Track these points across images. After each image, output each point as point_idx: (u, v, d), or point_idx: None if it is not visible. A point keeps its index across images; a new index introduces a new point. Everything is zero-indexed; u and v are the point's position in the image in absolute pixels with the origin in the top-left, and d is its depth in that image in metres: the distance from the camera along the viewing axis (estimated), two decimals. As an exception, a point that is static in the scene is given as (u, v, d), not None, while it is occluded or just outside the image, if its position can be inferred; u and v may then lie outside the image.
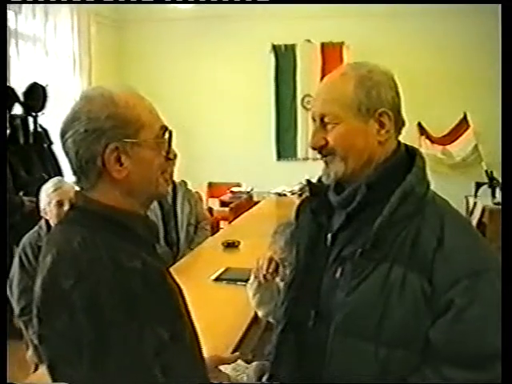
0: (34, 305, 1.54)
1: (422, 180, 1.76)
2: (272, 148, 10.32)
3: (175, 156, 1.67)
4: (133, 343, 1.43)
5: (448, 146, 9.45)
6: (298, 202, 7.42)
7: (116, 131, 1.54)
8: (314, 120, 1.83)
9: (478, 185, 8.40)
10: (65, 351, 1.47)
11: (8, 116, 5.97)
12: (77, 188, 1.66)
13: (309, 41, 9.99)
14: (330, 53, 9.99)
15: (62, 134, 1.58)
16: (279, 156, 10.42)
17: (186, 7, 9.26)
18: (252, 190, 9.11)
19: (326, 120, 1.78)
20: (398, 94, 1.81)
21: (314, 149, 1.82)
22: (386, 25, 9.65)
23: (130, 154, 1.56)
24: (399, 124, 1.81)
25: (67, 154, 1.59)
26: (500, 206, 7.20)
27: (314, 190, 1.95)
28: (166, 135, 1.64)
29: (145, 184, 1.61)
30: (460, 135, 9.26)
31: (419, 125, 9.53)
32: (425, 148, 9.51)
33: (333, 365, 1.70)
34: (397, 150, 1.81)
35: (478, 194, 8.39)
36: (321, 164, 1.80)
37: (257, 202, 8.38)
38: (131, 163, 1.56)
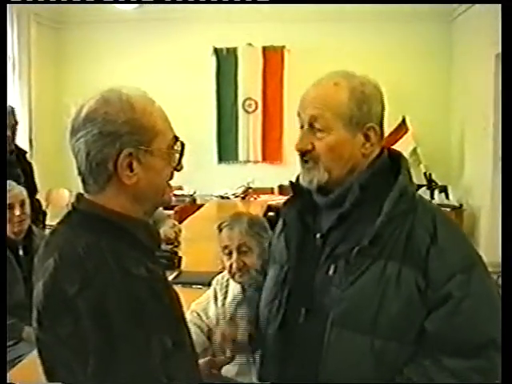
0: (34, 308, 1.50)
1: (411, 180, 1.86)
2: (213, 151, 10.34)
3: (182, 168, 1.66)
4: (140, 352, 1.42)
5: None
6: (241, 204, 7.42)
7: (131, 137, 1.52)
8: (300, 123, 1.87)
9: (417, 187, 8.53)
10: (67, 358, 1.44)
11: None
12: (80, 191, 1.63)
13: (250, 44, 10.04)
14: (272, 56, 10.07)
15: (74, 134, 1.55)
16: (220, 159, 10.46)
17: (127, 9, 9.19)
18: (195, 193, 9.09)
19: (316, 125, 1.82)
20: (384, 108, 1.88)
21: (299, 151, 1.86)
22: (327, 29, 9.77)
23: (142, 161, 1.54)
24: (382, 136, 1.88)
25: (76, 153, 1.55)
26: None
27: (298, 191, 1.98)
28: (178, 146, 1.63)
29: (152, 191, 1.60)
30: (399, 138, 9.40)
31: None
32: (364, 151, 9.66)
33: (329, 358, 1.75)
34: (381, 154, 1.89)
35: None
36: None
37: (200, 205, 8.37)
38: (142, 170, 1.55)
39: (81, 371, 1.41)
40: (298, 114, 1.89)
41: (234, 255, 2.81)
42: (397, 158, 1.91)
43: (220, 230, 2.89)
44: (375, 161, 1.87)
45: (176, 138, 1.63)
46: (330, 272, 1.81)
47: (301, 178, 1.92)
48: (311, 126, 1.83)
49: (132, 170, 1.54)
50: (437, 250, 1.73)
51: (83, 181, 1.59)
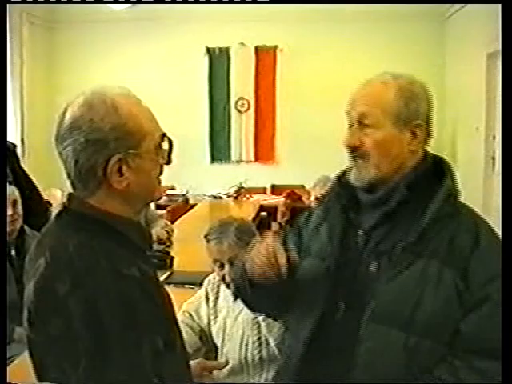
0: (25, 307, 1.49)
1: (455, 185, 1.90)
2: (206, 151, 10.34)
3: (171, 162, 1.65)
4: (131, 352, 1.42)
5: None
6: (233, 204, 7.37)
7: (119, 143, 1.50)
8: (350, 122, 1.91)
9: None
10: (58, 358, 1.44)
11: None
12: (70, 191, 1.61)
13: (243, 44, 10.04)
14: (264, 56, 10.08)
15: (60, 141, 1.52)
16: (213, 159, 10.45)
17: (120, 9, 9.18)
18: (187, 192, 9.08)
19: (365, 122, 1.86)
20: (431, 107, 1.93)
21: (348, 147, 1.90)
22: (320, 29, 9.78)
23: (131, 164, 1.52)
24: (429, 135, 1.92)
25: (65, 160, 1.53)
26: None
27: (342, 186, 2.00)
28: (166, 143, 1.62)
29: (143, 192, 1.59)
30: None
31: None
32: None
33: (362, 352, 1.77)
34: (426, 157, 1.93)
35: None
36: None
37: (193, 205, 8.37)
38: (131, 173, 1.53)
39: (72, 371, 1.40)
40: (347, 113, 1.92)
41: (227, 268, 2.81)
42: (440, 162, 1.95)
43: (207, 240, 2.89)
44: (421, 162, 1.91)
45: (163, 135, 1.62)
46: (372, 268, 1.84)
47: (350, 175, 1.94)
48: (360, 122, 1.87)
49: (122, 175, 1.53)
50: (478, 253, 1.76)
51: (73, 185, 1.58)
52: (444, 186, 1.85)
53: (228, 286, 2.84)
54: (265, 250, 1.87)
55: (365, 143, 1.86)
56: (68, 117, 1.52)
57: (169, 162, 1.64)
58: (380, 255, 1.84)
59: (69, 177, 1.57)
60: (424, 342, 1.74)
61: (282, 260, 1.83)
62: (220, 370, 2.27)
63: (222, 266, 2.83)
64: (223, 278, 2.83)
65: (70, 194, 1.60)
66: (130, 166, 1.53)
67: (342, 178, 2.03)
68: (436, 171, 1.92)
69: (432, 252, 1.77)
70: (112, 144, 1.49)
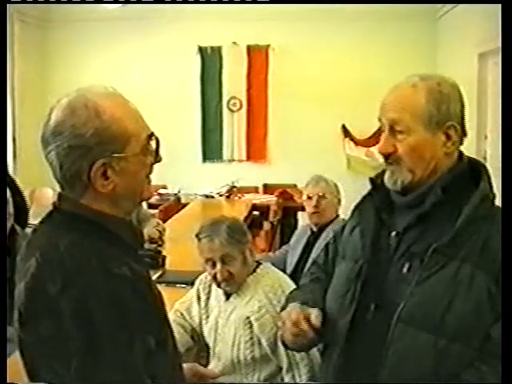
0: (16, 308, 1.48)
1: (491, 188, 1.86)
2: (198, 150, 10.30)
3: (161, 159, 1.63)
4: (123, 352, 1.41)
5: (371, 148, 9.58)
6: (225, 203, 7.36)
7: (102, 147, 1.48)
8: (381, 126, 1.90)
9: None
10: (50, 358, 1.43)
11: None
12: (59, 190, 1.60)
13: (235, 43, 10.02)
14: (256, 55, 10.05)
15: (45, 145, 1.52)
16: (205, 158, 10.41)
17: (112, 8, 9.15)
18: (179, 191, 9.07)
19: (396, 128, 1.84)
20: (463, 106, 1.90)
21: (382, 154, 1.89)
22: (312, 28, 9.79)
23: (116, 168, 1.51)
24: (464, 135, 1.90)
25: (50, 164, 1.52)
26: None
27: (377, 187, 2.01)
28: (153, 143, 1.60)
29: (130, 194, 1.58)
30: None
31: (343, 127, 9.68)
32: (349, 150, 9.70)
33: (391, 353, 1.76)
34: (461, 158, 1.91)
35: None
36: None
37: (185, 204, 8.35)
38: (117, 176, 1.52)
39: (64, 372, 1.40)
40: (379, 119, 1.91)
41: (218, 266, 2.81)
42: (476, 164, 1.94)
43: (199, 238, 2.89)
44: (456, 164, 1.90)
45: (150, 135, 1.59)
46: (405, 270, 1.83)
47: (385, 179, 1.93)
48: (392, 129, 1.86)
49: (107, 178, 1.51)
50: None
51: (62, 188, 1.57)
52: (479, 188, 1.83)
53: (219, 286, 2.84)
54: (290, 323, 1.92)
55: (398, 149, 1.85)
56: (52, 120, 1.51)
57: (158, 160, 1.63)
58: (412, 257, 1.83)
59: (56, 178, 1.56)
60: (453, 345, 1.72)
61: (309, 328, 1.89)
62: (212, 379, 2.24)
63: (213, 265, 2.83)
64: (214, 277, 2.83)
65: (59, 194, 1.59)
66: (114, 169, 1.51)
67: (376, 180, 2.03)
68: (472, 173, 1.90)
69: (465, 255, 1.75)
70: (95, 149, 1.48)
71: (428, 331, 1.73)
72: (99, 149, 1.49)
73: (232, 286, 2.84)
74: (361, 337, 1.89)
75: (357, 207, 2.11)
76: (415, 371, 1.74)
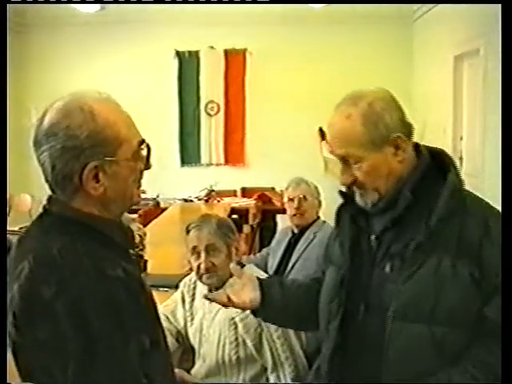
0: (10, 312, 1.48)
1: (458, 176, 1.94)
2: (176, 154, 10.34)
3: (151, 167, 1.66)
4: (119, 352, 1.43)
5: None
6: (204, 207, 7.37)
7: (95, 150, 1.50)
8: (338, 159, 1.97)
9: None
10: (45, 361, 1.43)
11: None
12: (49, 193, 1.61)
13: (212, 47, 10.06)
14: (234, 59, 10.11)
15: (38, 146, 1.53)
16: (183, 162, 10.47)
17: (89, 12, 9.12)
18: (158, 196, 9.06)
19: (348, 161, 1.93)
20: (401, 109, 1.96)
21: (345, 186, 2.00)
22: (289, 31, 9.86)
23: (108, 171, 1.53)
24: (411, 132, 1.96)
25: (42, 165, 1.53)
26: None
27: (348, 198, 2.10)
28: (144, 149, 1.63)
29: (120, 198, 1.60)
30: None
31: (320, 130, 9.71)
32: (326, 153, 9.70)
33: (391, 350, 1.84)
34: (420, 156, 1.98)
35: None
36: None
37: (164, 209, 8.35)
38: (108, 180, 1.54)
39: (60, 373, 1.40)
40: (331, 153, 1.99)
41: (203, 256, 2.83)
42: (438, 154, 2.01)
43: (188, 231, 2.91)
44: (418, 162, 1.97)
45: (142, 142, 1.62)
46: (387, 269, 1.91)
47: (357, 199, 2.02)
48: (345, 162, 1.95)
49: (98, 181, 1.53)
50: (489, 241, 1.82)
51: (52, 190, 1.58)
52: (447, 182, 1.89)
53: (201, 279, 2.86)
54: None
55: (357, 177, 1.93)
56: (46, 122, 1.52)
57: (148, 167, 1.65)
58: (393, 257, 1.91)
59: (47, 181, 1.57)
60: (450, 331, 1.81)
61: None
62: None
63: (198, 255, 2.85)
64: (198, 269, 2.84)
65: (50, 197, 1.60)
66: (106, 172, 1.54)
67: (345, 192, 2.11)
68: (437, 165, 1.97)
69: (443, 248, 1.82)
70: (88, 151, 1.50)
71: (423, 324, 1.80)
72: (92, 151, 1.51)
73: (214, 279, 2.85)
74: (355, 336, 1.97)
75: (335, 216, 2.18)
76: (419, 363, 1.82)
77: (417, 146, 2.00)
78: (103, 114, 1.54)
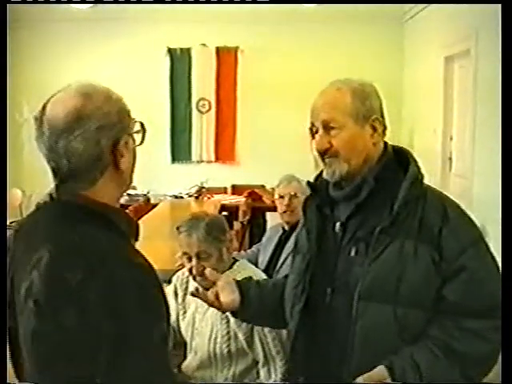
0: (29, 300, 1.46)
1: (419, 171, 2.08)
2: (166, 151, 10.35)
3: (143, 142, 1.71)
4: (148, 338, 1.45)
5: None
6: (194, 204, 7.38)
7: (122, 125, 1.58)
8: (313, 130, 2.10)
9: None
10: (72, 348, 1.42)
11: None
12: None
13: (204, 45, 10.07)
14: (225, 57, 10.13)
15: (66, 133, 1.52)
16: (174, 159, 10.47)
17: (81, 8, 9.13)
18: (148, 192, 9.08)
19: (330, 125, 2.04)
20: (381, 102, 2.13)
21: (319, 151, 2.08)
22: (281, 30, 9.91)
23: (128, 145, 1.60)
24: (385, 128, 2.12)
25: (68, 153, 1.53)
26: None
27: (315, 189, 2.21)
28: (138, 124, 1.69)
29: (132, 173, 1.66)
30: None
31: (310, 130, 9.73)
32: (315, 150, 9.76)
33: (358, 328, 1.95)
34: (386, 149, 2.13)
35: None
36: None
37: (154, 205, 8.38)
38: (128, 153, 1.60)
39: (89, 360, 1.40)
40: (311, 123, 2.11)
41: (194, 261, 2.87)
42: (401, 151, 2.16)
43: (179, 232, 2.94)
44: (383, 154, 2.11)
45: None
46: (352, 253, 2.03)
47: (324, 173, 2.12)
48: (325, 128, 2.05)
49: (122, 156, 1.59)
50: (448, 228, 1.97)
51: (74, 178, 1.57)
52: (409, 172, 2.03)
53: (194, 279, 2.89)
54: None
55: (333, 144, 2.04)
56: (68, 109, 1.53)
57: (142, 143, 1.70)
58: (358, 241, 2.04)
59: (69, 171, 1.56)
60: (411, 311, 1.94)
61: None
62: None
63: (189, 259, 2.88)
64: (190, 271, 2.88)
65: (58, 186, 1.60)
66: (127, 146, 1.60)
67: (312, 183, 2.23)
68: (399, 160, 2.12)
69: (405, 233, 1.96)
70: (117, 127, 1.57)
71: (386, 303, 1.93)
72: (120, 126, 1.58)
73: (207, 281, 2.88)
74: (322, 318, 2.08)
75: (303, 206, 2.29)
76: (383, 340, 1.95)
77: (385, 142, 2.15)
78: (114, 92, 1.62)
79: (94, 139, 1.53)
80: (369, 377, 1.89)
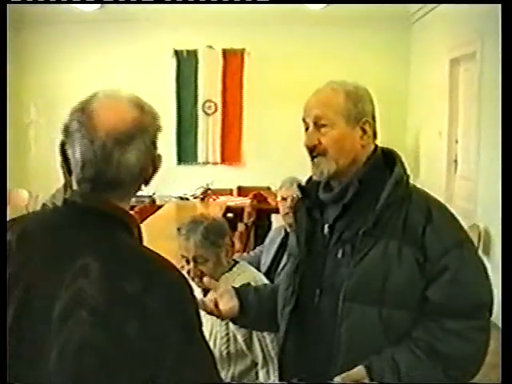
0: (82, 309, 1.37)
1: (405, 172, 2.10)
2: (173, 152, 10.34)
3: None
4: (202, 338, 1.47)
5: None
6: (200, 205, 7.40)
7: (156, 136, 1.57)
8: (306, 126, 2.12)
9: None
10: (129, 358, 1.36)
11: None
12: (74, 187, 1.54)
13: (210, 47, 10.09)
14: (232, 59, 10.16)
15: (123, 144, 1.48)
16: (180, 160, 10.48)
17: (88, 10, 9.16)
18: (154, 194, 9.10)
19: (320, 122, 2.07)
20: (374, 106, 2.15)
21: (308, 148, 2.10)
22: (287, 32, 9.92)
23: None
24: (375, 131, 2.14)
25: (119, 164, 1.49)
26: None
27: (306, 191, 2.22)
28: None
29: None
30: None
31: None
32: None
33: (343, 329, 1.98)
34: (375, 151, 2.14)
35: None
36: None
37: (160, 206, 8.39)
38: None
39: (156, 364, 1.37)
40: (303, 119, 2.14)
41: (191, 264, 2.88)
42: (390, 153, 2.16)
43: (179, 233, 2.95)
44: (371, 156, 2.12)
45: None
46: (339, 255, 2.04)
47: (313, 173, 2.15)
48: (316, 124, 2.08)
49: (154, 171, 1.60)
50: (432, 228, 1.98)
51: (103, 187, 1.51)
52: (394, 173, 2.05)
53: (193, 281, 2.90)
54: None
55: (322, 142, 2.06)
56: (127, 120, 1.50)
57: None
58: (344, 243, 2.05)
59: (102, 179, 1.49)
60: (395, 311, 1.96)
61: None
62: None
63: (187, 262, 2.90)
64: (188, 274, 2.89)
65: (86, 193, 1.52)
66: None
67: (303, 186, 2.26)
68: (386, 161, 2.13)
69: (390, 234, 1.97)
70: (156, 139, 1.57)
71: (371, 304, 1.95)
72: (156, 138, 1.57)
73: (204, 285, 2.89)
74: (311, 319, 2.10)
75: (293, 209, 2.32)
76: (369, 340, 1.97)
77: (376, 144, 2.16)
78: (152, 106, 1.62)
79: (146, 153, 1.52)
80: (347, 376, 1.91)
